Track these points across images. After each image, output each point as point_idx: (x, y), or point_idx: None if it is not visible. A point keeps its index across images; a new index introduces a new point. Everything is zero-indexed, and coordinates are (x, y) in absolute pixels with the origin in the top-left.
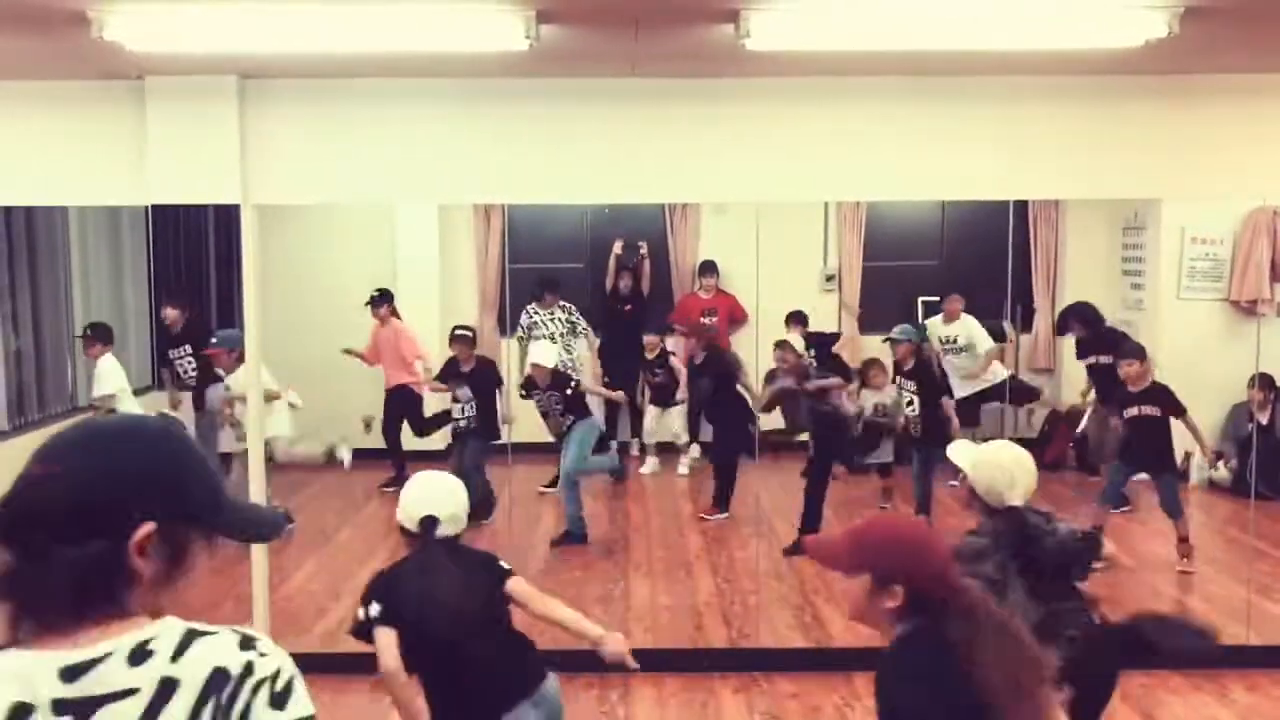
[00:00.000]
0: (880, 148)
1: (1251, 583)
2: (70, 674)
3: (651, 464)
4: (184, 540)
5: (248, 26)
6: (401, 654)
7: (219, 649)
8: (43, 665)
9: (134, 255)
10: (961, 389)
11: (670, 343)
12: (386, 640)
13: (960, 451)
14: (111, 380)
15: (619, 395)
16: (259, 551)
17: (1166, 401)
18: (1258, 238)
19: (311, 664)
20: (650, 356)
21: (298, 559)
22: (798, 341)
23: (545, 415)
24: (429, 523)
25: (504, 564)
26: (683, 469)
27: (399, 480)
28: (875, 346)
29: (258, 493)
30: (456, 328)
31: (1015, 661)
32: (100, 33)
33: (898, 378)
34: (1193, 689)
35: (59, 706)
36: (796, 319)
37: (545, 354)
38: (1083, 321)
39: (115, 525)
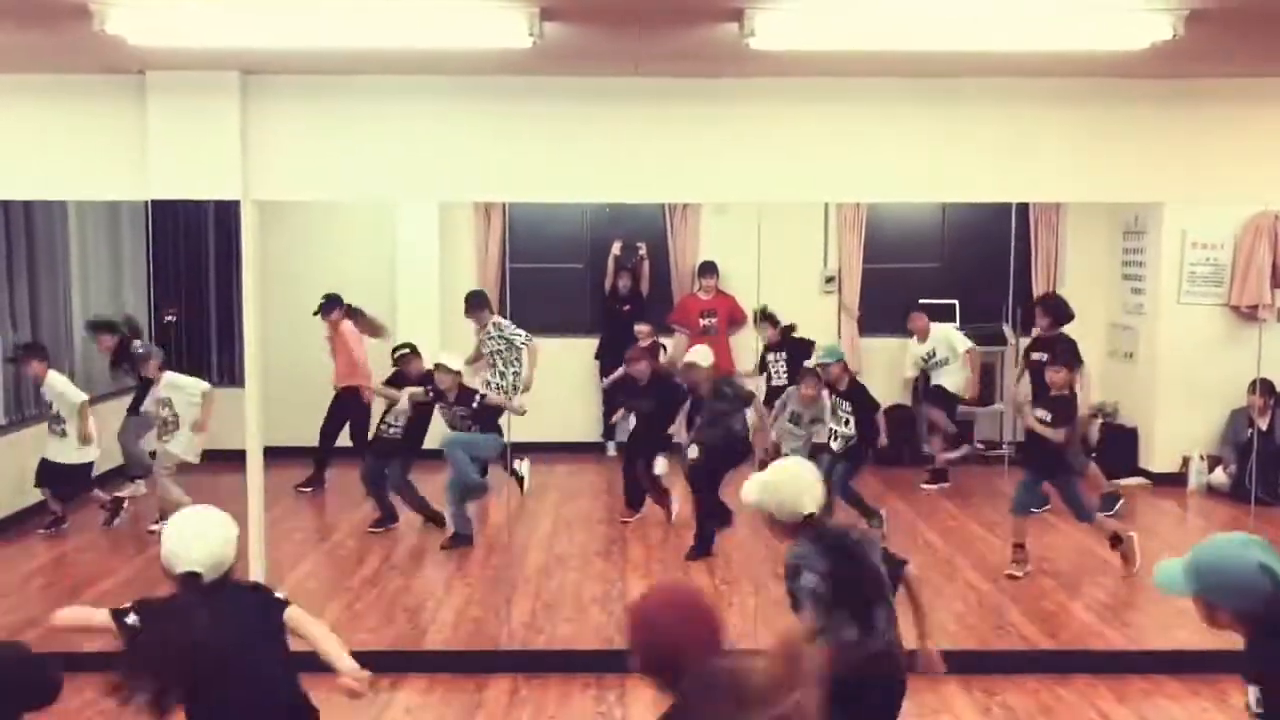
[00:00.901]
0: (881, 149)
1: None
2: None
3: (661, 464)
4: None
5: (250, 22)
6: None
7: None
8: None
9: (133, 251)
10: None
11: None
12: (100, 618)
13: (747, 489)
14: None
15: (518, 407)
16: (255, 549)
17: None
18: (1259, 243)
19: (307, 663)
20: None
21: (294, 557)
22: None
23: (451, 427)
24: (189, 579)
25: (281, 593)
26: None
27: (318, 481)
28: (876, 349)
29: (255, 489)
30: (398, 346)
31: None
32: (102, 26)
33: (834, 397)
34: (1191, 694)
35: None
36: (765, 317)
37: (452, 359)
38: (1055, 317)
39: None
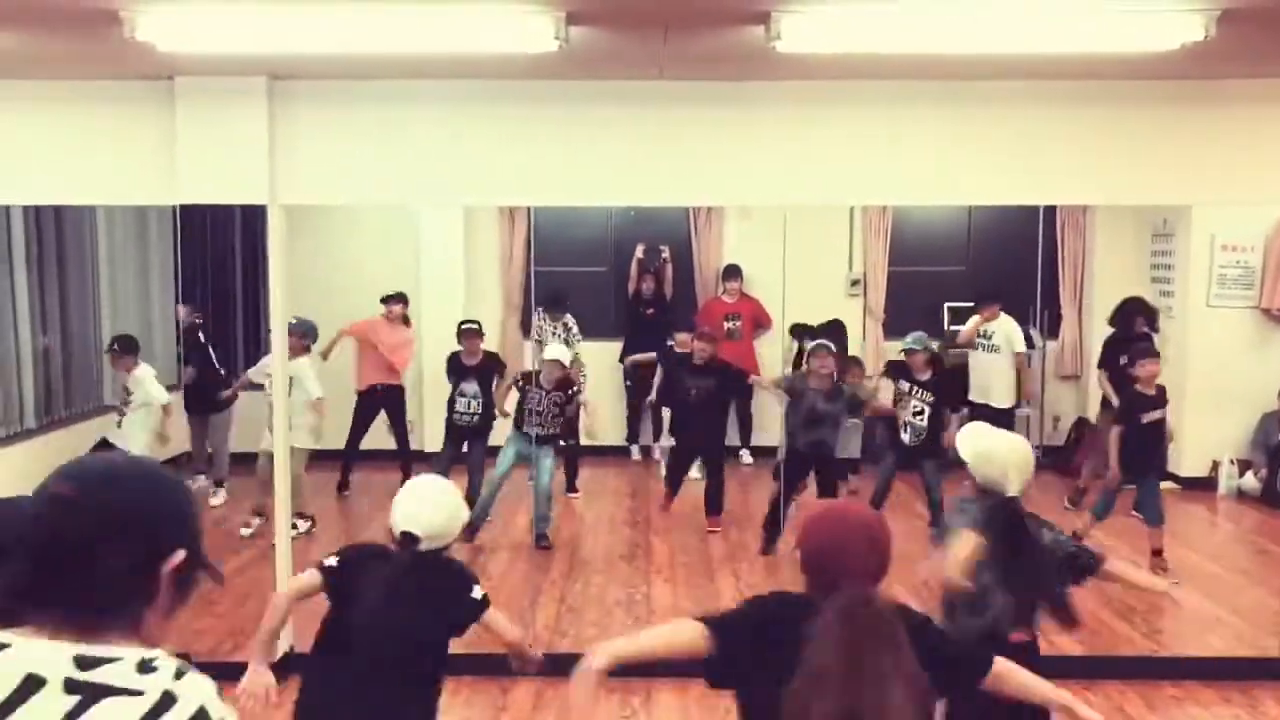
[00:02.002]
0: (907, 152)
1: None
2: (84, 663)
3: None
4: (194, 574)
5: (278, 27)
6: (321, 631)
7: (203, 686)
8: (59, 651)
9: (161, 255)
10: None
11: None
12: (308, 579)
13: (963, 440)
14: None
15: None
16: (281, 550)
17: (1165, 401)
18: None
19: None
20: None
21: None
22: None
23: (533, 414)
24: (405, 539)
25: (478, 593)
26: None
27: (346, 484)
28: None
29: (282, 494)
30: (463, 322)
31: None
32: (132, 33)
33: (913, 387)
34: (1222, 701)
35: (70, 685)
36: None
37: (561, 351)
38: (1150, 320)
39: (150, 550)
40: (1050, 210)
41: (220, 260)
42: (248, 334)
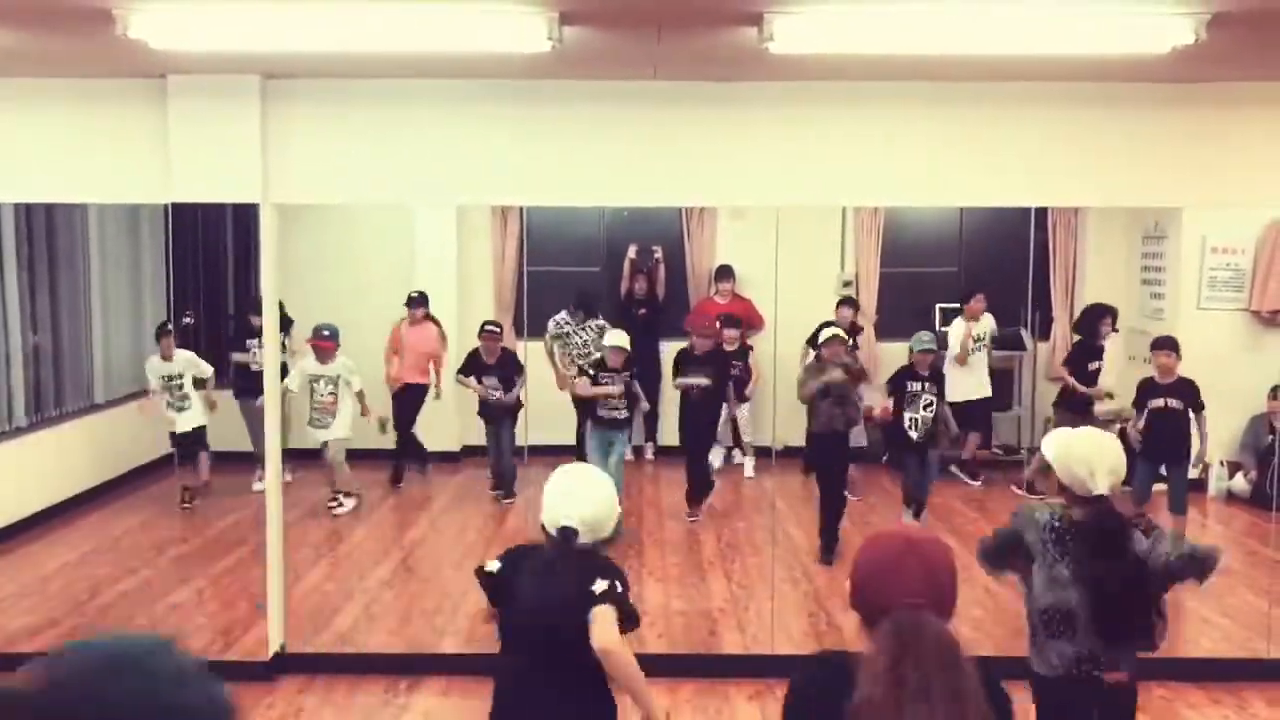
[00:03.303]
0: (899, 153)
1: (1272, 596)
2: None
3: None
4: None
5: (271, 26)
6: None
7: None
8: None
9: (153, 253)
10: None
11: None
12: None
13: (1048, 442)
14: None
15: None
16: (274, 552)
17: (1191, 396)
18: (1279, 248)
19: (326, 664)
20: (730, 349)
21: (312, 559)
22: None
23: (606, 399)
24: (567, 534)
25: (599, 586)
26: (749, 471)
27: (399, 478)
28: (893, 353)
29: (274, 491)
30: (487, 323)
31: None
32: (125, 30)
33: (920, 384)
34: (1212, 703)
35: None
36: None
37: (622, 337)
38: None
39: None
40: (1042, 212)
41: (212, 259)
42: (239, 334)
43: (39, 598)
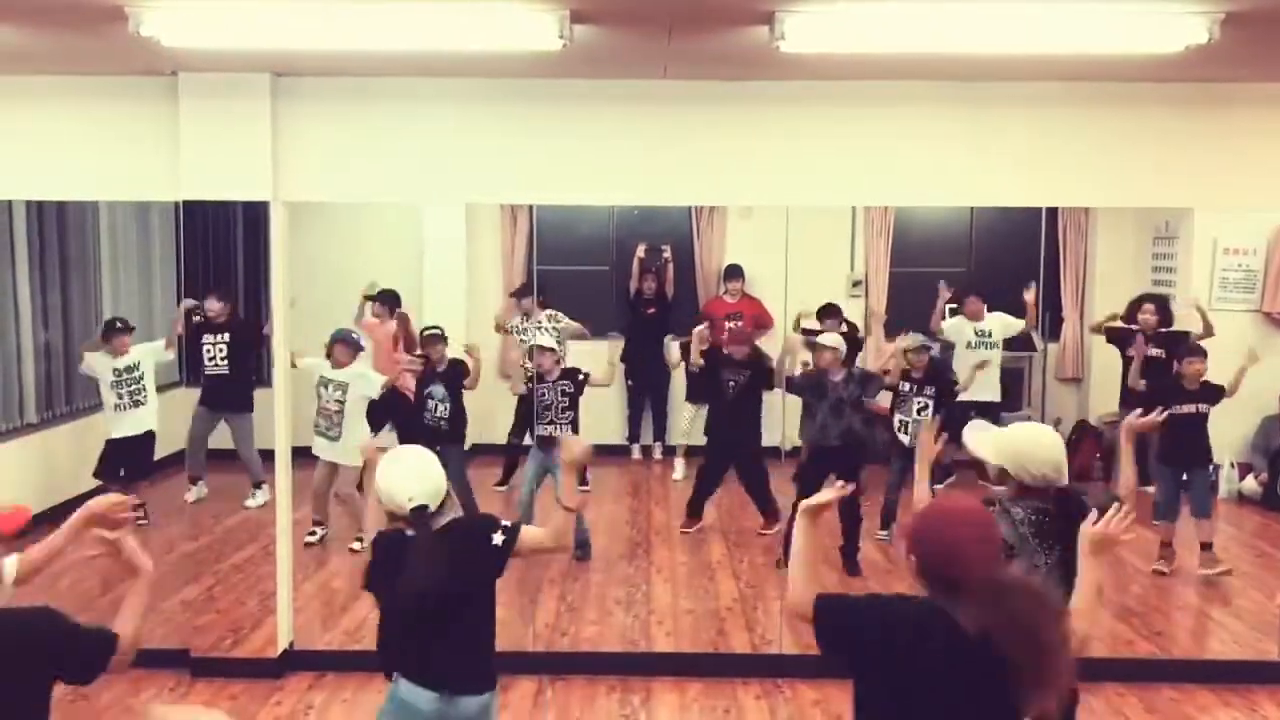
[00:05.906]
0: (910, 153)
1: None
2: None
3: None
4: None
5: (282, 24)
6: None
7: None
8: None
9: (163, 250)
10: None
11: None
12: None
13: (984, 443)
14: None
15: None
16: (283, 550)
17: (1216, 398)
18: None
19: (334, 661)
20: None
21: (320, 557)
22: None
23: (545, 409)
24: (424, 510)
25: (498, 538)
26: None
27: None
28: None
29: (283, 489)
30: (427, 328)
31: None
32: (137, 28)
33: (913, 386)
34: (1222, 705)
35: None
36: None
37: (547, 338)
38: (1165, 316)
39: None
40: (1052, 212)
41: (223, 256)
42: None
43: (50, 594)
